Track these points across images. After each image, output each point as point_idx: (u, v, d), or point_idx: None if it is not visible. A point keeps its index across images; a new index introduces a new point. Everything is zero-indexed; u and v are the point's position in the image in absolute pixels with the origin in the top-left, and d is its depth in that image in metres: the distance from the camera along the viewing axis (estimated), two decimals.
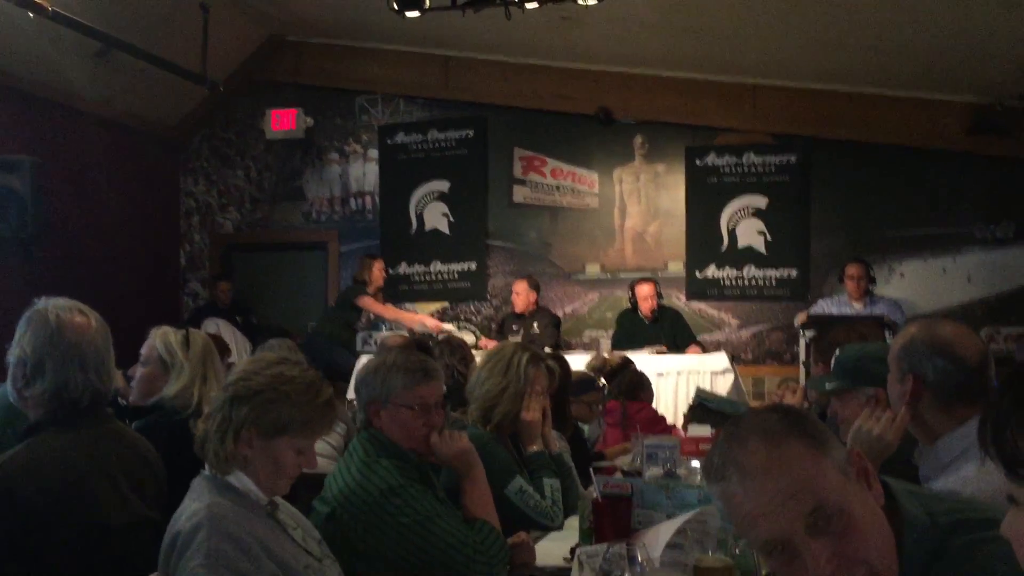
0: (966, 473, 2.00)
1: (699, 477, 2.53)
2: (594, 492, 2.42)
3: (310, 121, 8.89)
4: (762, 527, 1.27)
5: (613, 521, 2.36)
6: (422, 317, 7.87)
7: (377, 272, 7.94)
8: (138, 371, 3.08)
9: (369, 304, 7.75)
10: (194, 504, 1.92)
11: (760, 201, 8.17)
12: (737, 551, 1.99)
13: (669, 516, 2.32)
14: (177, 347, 3.02)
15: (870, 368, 2.52)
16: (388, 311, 7.83)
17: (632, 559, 1.97)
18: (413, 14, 5.23)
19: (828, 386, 2.63)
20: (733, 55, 7.61)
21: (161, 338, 3.08)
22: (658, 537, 2.18)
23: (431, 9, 5.22)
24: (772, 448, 1.29)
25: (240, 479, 1.98)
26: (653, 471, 2.49)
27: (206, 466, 2.03)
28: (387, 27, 7.92)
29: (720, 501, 1.34)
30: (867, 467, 1.35)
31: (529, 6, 5.05)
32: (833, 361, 2.72)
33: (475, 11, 5.10)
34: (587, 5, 5.14)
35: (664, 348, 7.23)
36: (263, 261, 9.00)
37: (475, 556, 2.27)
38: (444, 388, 2.53)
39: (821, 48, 7.16)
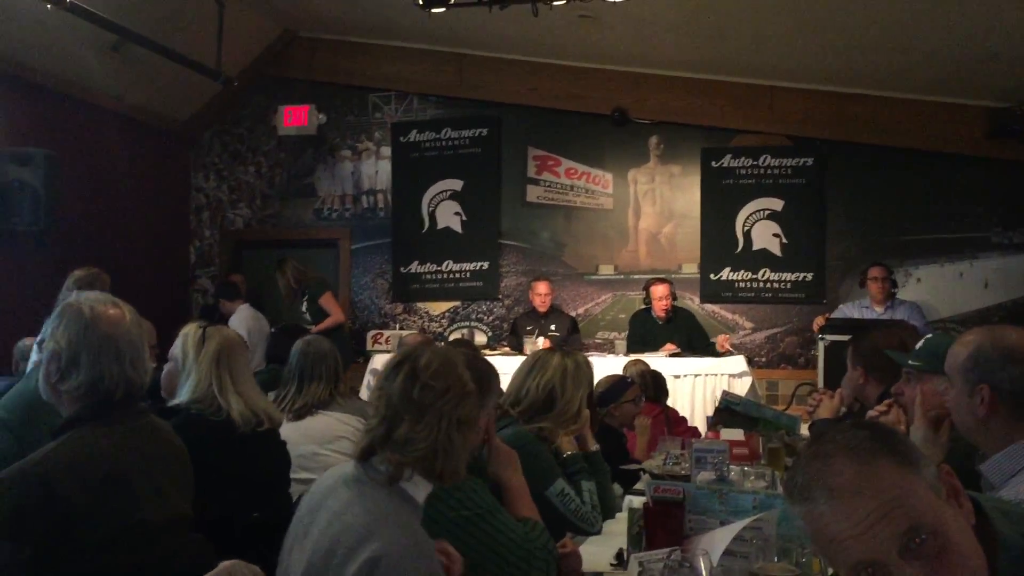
0: None
1: (750, 482, 2.47)
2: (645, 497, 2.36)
3: (323, 118, 8.83)
4: (852, 550, 1.21)
5: (665, 526, 2.30)
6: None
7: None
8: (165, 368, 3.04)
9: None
10: None
11: (776, 203, 8.12)
12: (803, 559, 1.94)
13: (723, 522, 2.27)
14: (191, 347, 2.96)
15: None
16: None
17: (695, 567, 1.91)
18: (439, 10, 5.18)
19: (912, 363, 2.60)
20: (750, 57, 7.56)
21: (182, 335, 3.04)
22: (714, 544, 2.13)
23: (457, 5, 5.16)
24: (861, 466, 1.23)
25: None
26: (704, 475, 2.44)
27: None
28: (401, 24, 7.89)
29: (805, 522, 1.28)
30: (957, 485, 1.29)
31: (556, 3, 4.99)
32: (923, 342, 2.67)
33: (501, 8, 5.04)
34: (613, 2, 5.07)
35: (677, 348, 7.18)
36: (273, 258, 8.90)
37: (536, 553, 2.22)
38: None
39: (838, 51, 7.12)
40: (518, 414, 3.04)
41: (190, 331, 3.02)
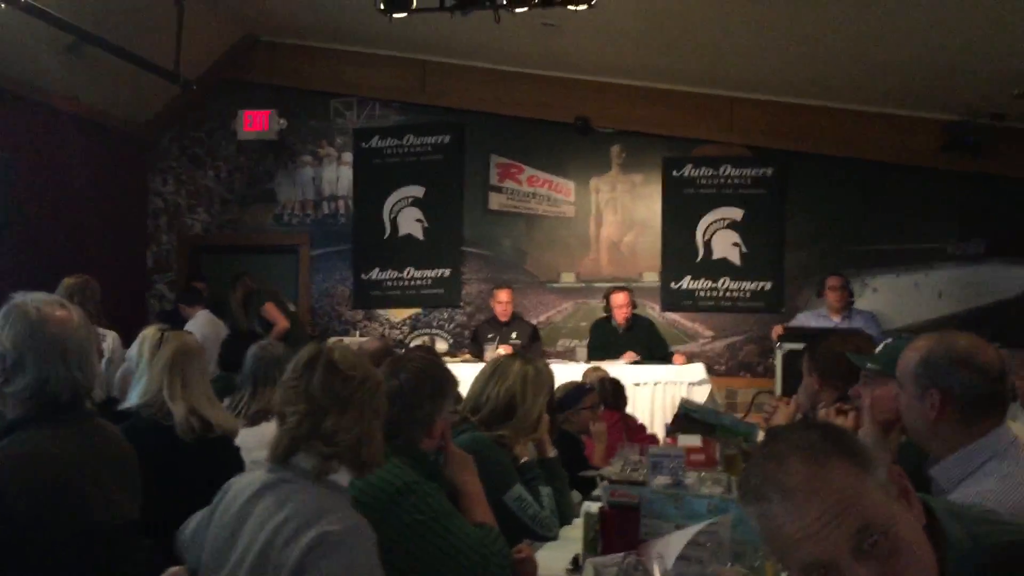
0: (986, 486, 1.97)
1: (707, 487, 2.48)
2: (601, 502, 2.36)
3: (284, 123, 8.76)
4: (805, 549, 1.21)
5: (621, 531, 2.30)
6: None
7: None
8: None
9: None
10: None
11: (736, 213, 8.20)
12: (756, 563, 1.94)
13: (678, 526, 2.26)
14: (147, 350, 2.92)
15: None
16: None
17: (649, 571, 1.91)
18: (401, 15, 5.15)
19: (871, 365, 2.61)
20: (711, 68, 7.64)
21: (141, 337, 2.99)
22: (669, 548, 2.12)
23: (419, 11, 5.15)
24: (814, 467, 1.23)
25: None
26: (660, 480, 2.44)
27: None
28: (364, 30, 7.86)
29: (758, 523, 1.28)
30: (907, 485, 1.30)
31: (519, 10, 4.99)
32: (882, 347, 2.69)
33: (464, 13, 5.03)
34: (575, 10, 5.09)
35: (638, 357, 7.21)
36: (232, 263, 8.82)
37: (491, 558, 2.21)
38: None
39: (798, 63, 7.21)
40: (478, 421, 3.02)
41: (149, 333, 2.97)
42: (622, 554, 2.01)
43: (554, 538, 2.92)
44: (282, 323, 7.61)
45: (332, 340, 8.13)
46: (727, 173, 8.23)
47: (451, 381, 2.47)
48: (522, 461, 3.06)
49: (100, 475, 2.18)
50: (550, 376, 3.21)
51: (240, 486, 1.98)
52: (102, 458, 2.22)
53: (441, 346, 8.20)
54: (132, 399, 2.81)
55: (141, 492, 2.35)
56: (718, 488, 2.63)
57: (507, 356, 3.28)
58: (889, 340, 2.86)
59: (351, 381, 1.93)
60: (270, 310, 7.69)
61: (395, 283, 8.80)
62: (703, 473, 2.95)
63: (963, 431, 2.04)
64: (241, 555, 1.83)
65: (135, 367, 2.87)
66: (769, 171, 8.17)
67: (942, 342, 2.11)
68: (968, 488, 2.02)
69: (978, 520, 1.36)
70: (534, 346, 7.72)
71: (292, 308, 8.16)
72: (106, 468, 2.23)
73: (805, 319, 7.39)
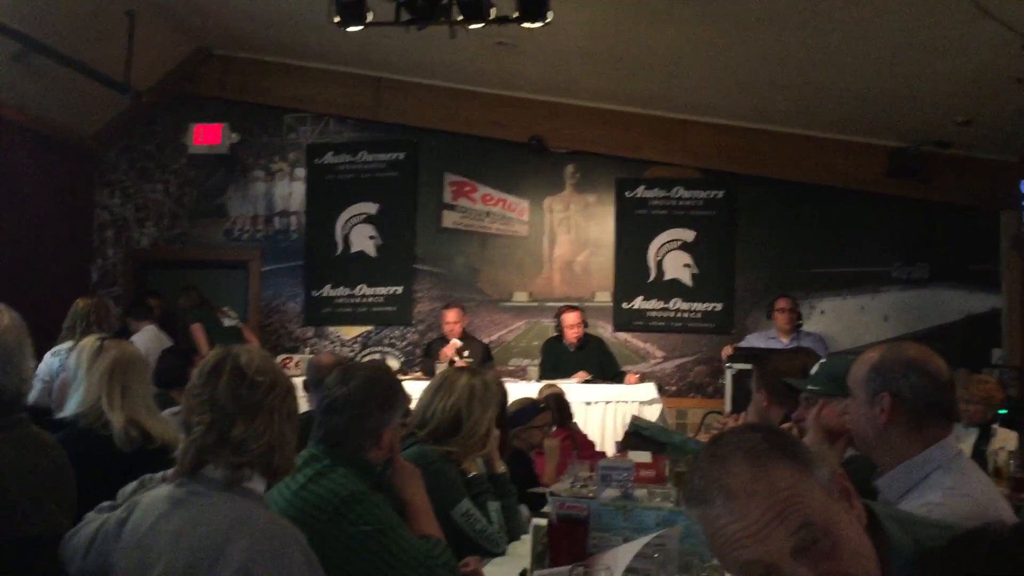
0: (931, 498, 1.98)
1: (657, 499, 2.47)
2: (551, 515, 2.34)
3: (236, 137, 8.67)
4: (747, 550, 1.21)
5: (569, 544, 2.27)
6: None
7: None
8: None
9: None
10: None
11: (688, 235, 8.27)
12: (703, 574, 1.93)
13: (626, 539, 2.25)
14: (85, 359, 2.83)
15: None
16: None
17: None
18: (356, 28, 5.13)
19: (811, 387, 2.63)
20: (665, 91, 7.73)
21: (79, 347, 2.91)
22: (617, 560, 2.11)
23: (374, 24, 5.13)
24: (757, 468, 1.24)
25: None
26: (609, 492, 2.43)
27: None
28: (319, 45, 7.82)
29: (701, 525, 1.28)
30: (849, 487, 1.31)
31: (473, 27, 5.00)
32: (818, 367, 2.72)
33: (419, 29, 5.03)
34: (530, 28, 5.12)
35: (589, 376, 7.22)
36: (181, 278, 8.67)
37: (435, 569, 2.17)
38: None
39: (751, 88, 7.32)
40: (424, 435, 2.98)
41: (87, 343, 2.89)
42: (569, 566, 1.99)
43: (502, 553, 2.88)
44: (202, 349, 7.33)
45: (281, 357, 8.05)
46: (679, 195, 8.31)
47: (401, 392, 2.44)
48: (470, 475, 3.03)
49: (31, 485, 2.11)
50: (499, 389, 3.18)
51: (148, 502, 1.89)
52: (34, 468, 2.15)
53: (393, 364, 8.13)
54: (69, 408, 2.73)
55: (76, 503, 2.28)
56: (668, 504, 2.62)
57: (455, 369, 3.24)
58: (823, 359, 2.90)
59: (259, 387, 1.84)
60: (195, 332, 7.51)
61: (347, 300, 8.72)
62: (653, 489, 2.94)
63: (911, 437, 2.06)
64: (162, 574, 1.75)
65: (72, 377, 2.79)
66: (720, 194, 8.27)
67: (893, 349, 2.14)
68: (913, 500, 2.03)
69: (919, 524, 1.37)
70: (485, 365, 7.68)
71: (233, 323, 7.95)
72: (38, 478, 2.16)
73: (754, 340, 7.46)
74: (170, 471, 2.17)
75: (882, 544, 1.29)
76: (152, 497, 1.89)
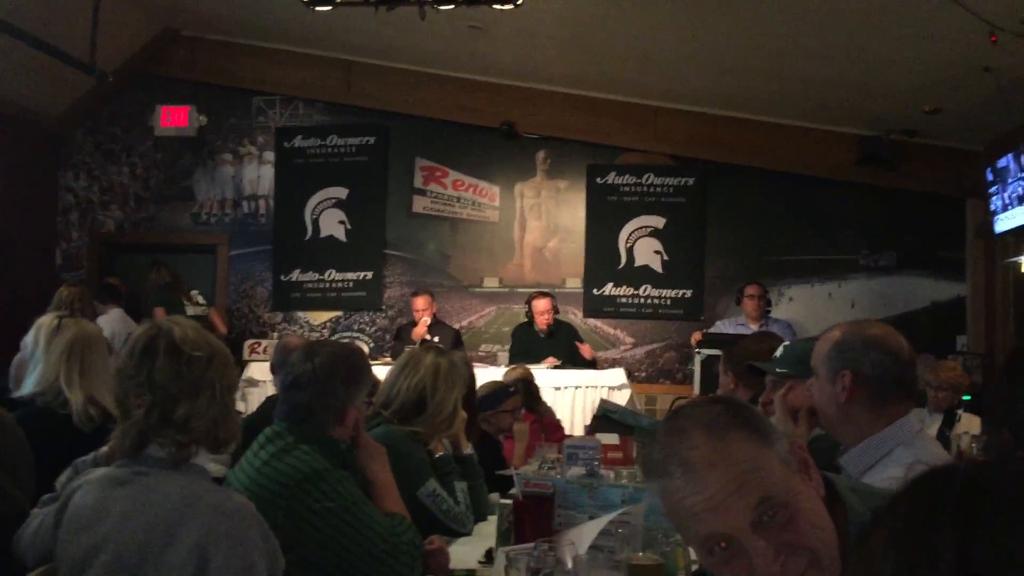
0: (893, 472, 1.99)
1: (622, 478, 2.47)
2: (516, 492, 2.33)
3: (203, 119, 8.56)
4: (706, 522, 1.22)
5: (534, 521, 2.27)
6: None
7: None
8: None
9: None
10: None
11: (658, 221, 8.29)
12: (666, 548, 1.93)
13: (591, 517, 2.24)
14: (43, 336, 2.78)
15: None
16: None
17: (560, 557, 1.89)
18: (324, 8, 5.07)
19: (779, 370, 2.64)
20: (636, 77, 7.72)
21: (36, 325, 2.86)
22: (582, 537, 2.10)
23: (343, 4, 5.08)
24: (716, 441, 1.24)
25: None
26: (574, 471, 2.42)
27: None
28: (288, 27, 7.74)
29: (661, 498, 1.28)
30: (807, 459, 1.32)
31: (444, 7, 4.96)
32: (782, 349, 2.73)
33: (388, 9, 4.98)
34: (501, 10, 5.08)
35: (559, 361, 7.22)
36: (147, 262, 8.58)
37: (399, 546, 2.16)
38: None
39: (721, 75, 7.34)
40: (390, 415, 2.96)
41: (45, 321, 2.84)
42: (534, 543, 1.98)
43: (468, 533, 2.87)
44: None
45: (249, 342, 7.99)
46: (650, 181, 8.32)
47: (366, 369, 2.41)
48: (437, 455, 3.01)
49: None
50: (466, 369, 3.16)
51: (87, 487, 1.81)
52: None
53: (363, 349, 8.07)
54: (26, 387, 2.68)
55: (34, 482, 2.24)
56: (633, 482, 2.62)
57: (422, 348, 3.22)
58: (787, 342, 2.91)
59: (198, 362, 1.77)
60: (157, 315, 7.45)
61: (316, 285, 8.66)
62: (620, 470, 2.94)
63: (872, 414, 2.07)
64: (111, 560, 1.69)
65: (30, 355, 2.74)
66: (691, 180, 8.29)
67: (854, 327, 2.16)
68: (875, 475, 2.04)
69: (877, 495, 1.37)
70: (453, 348, 7.66)
71: (199, 311, 7.87)
72: None
73: (724, 327, 7.50)
74: (102, 451, 2.11)
75: (840, 515, 1.29)
76: (92, 481, 1.82)
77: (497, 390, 4.60)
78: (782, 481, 1.22)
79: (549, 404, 6.25)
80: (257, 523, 1.73)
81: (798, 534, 1.20)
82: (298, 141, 8.73)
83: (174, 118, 8.47)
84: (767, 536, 1.19)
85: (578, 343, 7.55)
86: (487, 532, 2.86)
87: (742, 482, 1.20)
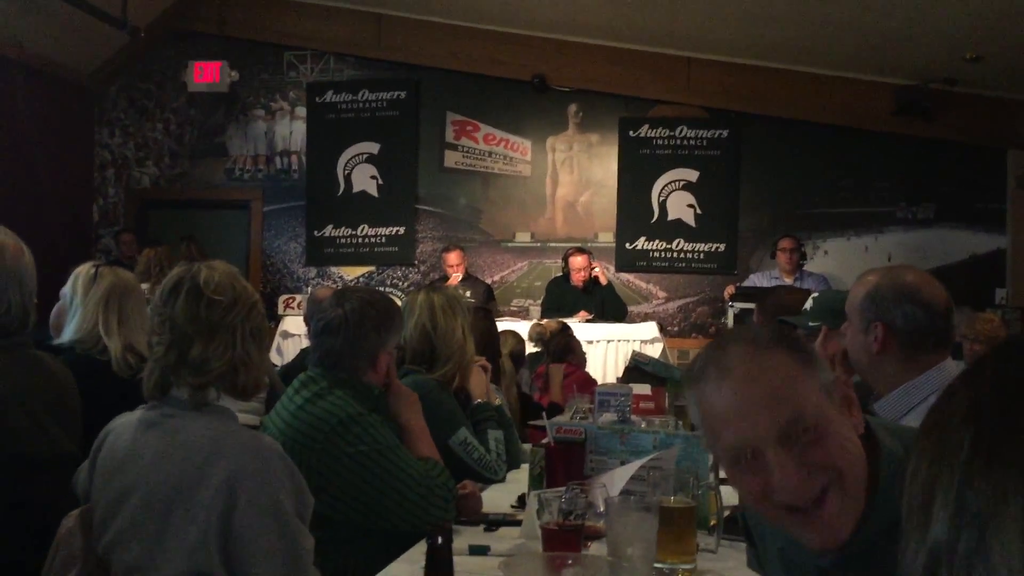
0: None
1: (655, 424, 2.48)
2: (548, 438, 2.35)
3: (235, 75, 8.57)
4: (734, 430, 1.23)
5: (566, 467, 2.29)
6: None
7: None
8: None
9: None
10: None
11: (691, 175, 8.21)
12: (699, 491, 1.94)
13: (623, 462, 2.26)
14: (80, 285, 2.83)
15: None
16: None
17: (592, 498, 1.90)
18: None
19: (812, 324, 2.63)
20: (670, 28, 7.60)
21: (74, 275, 2.90)
22: (614, 481, 2.12)
23: None
24: (757, 353, 1.25)
25: None
26: (606, 417, 2.43)
27: None
28: None
29: (696, 404, 1.29)
30: (851, 396, 1.31)
31: None
32: (811, 302, 2.71)
33: None
34: None
35: (591, 315, 7.21)
36: (182, 218, 8.66)
37: (433, 490, 2.18)
38: None
39: (755, 24, 7.20)
40: (408, 364, 2.96)
41: (82, 270, 2.88)
42: (566, 486, 2.00)
43: (501, 480, 2.90)
44: None
45: (284, 297, 8.07)
46: (683, 134, 8.23)
47: (397, 315, 2.42)
48: (476, 402, 3.04)
49: (31, 406, 2.12)
50: (465, 303, 3.11)
51: (119, 429, 1.85)
52: (34, 389, 2.16)
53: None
54: (66, 335, 2.73)
55: (81, 426, 2.29)
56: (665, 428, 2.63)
57: (413, 291, 3.19)
58: (815, 293, 2.88)
59: (217, 306, 1.77)
60: None
61: (349, 240, 8.70)
62: (652, 419, 2.95)
63: (905, 366, 2.05)
64: (143, 501, 1.72)
65: (68, 304, 2.78)
66: (725, 133, 8.19)
67: (888, 276, 2.12)
68: (910, 422, 2.03)
69: (911, 433, 1.36)
70: (488, 305, 7.67)
71: None
72: (39, 399, 2.17)
73: (757, 280, 7.44)
74: None
75: (876, 454, 1.29)
76: (123, 423, 1.85)
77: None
78: (817, 406, 1.22)
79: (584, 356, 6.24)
80: (283, 462, 1.75)
81: (825, 454, 1.20)
82: (329, 96, 8.72)
83: (207, 74, 8.48)
84: (791, 452, 1.19)
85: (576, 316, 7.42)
86: (520, 479, 2.89)
87: (776, 397, 1.21)
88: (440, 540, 1.49)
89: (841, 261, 7.99)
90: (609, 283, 7.86)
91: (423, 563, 1.53)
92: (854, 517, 1.23)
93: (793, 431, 1.20)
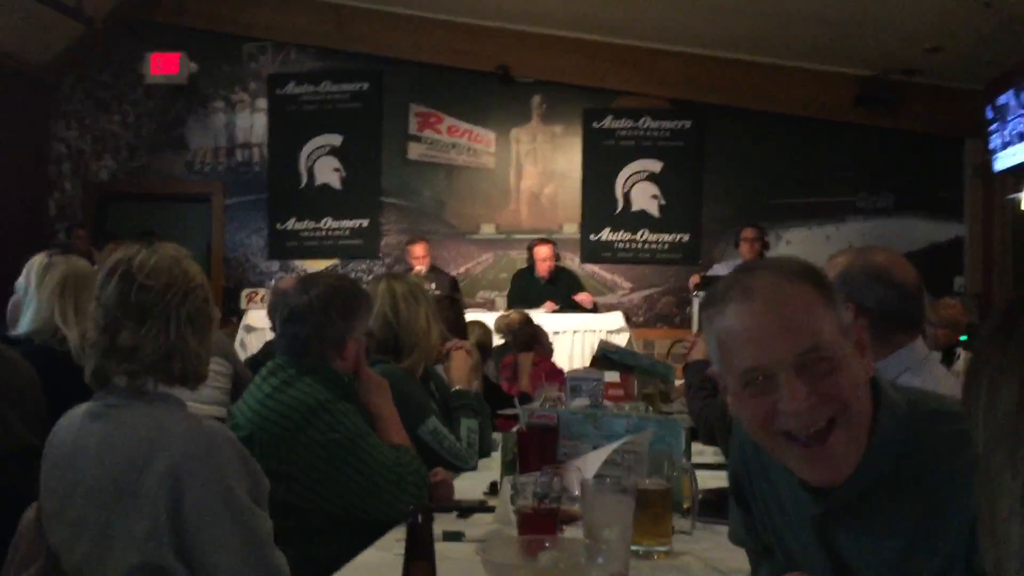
0: None
1: (625, 409, 2.47)
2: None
3: (194, 66, 8.43)
4: (751, 351, 1.23)
5: (539, 452, 2.27)
6: None
7: None
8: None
9: None
10: None
11: (655, 166, 8.24)
12: (674, 473, 1.93)
13: (596, 447, 2.25)
14: (35, 275, 2.76)
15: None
16: None
17: (565, 484, 1.89)
18: None
19: None
20: (633, 18, 7.61)
21: (28, 265, 2.83)
22: (587, 465, 2.11)
23: None
24: (782, 281, 1.26)
25: None
26: (578, 402, 2.42)
27: None
28: None
29: (714, 324, 1.28)
30: (865, 340, 1.32)
31: None
32: None
33: None
34: None
35: (557, 306, 7.22)
36: (142, 212, 8.52)
37: (405, 477, 2.16)
38: None
39: (718, 15, 7.23)
40: (375, 354, 2.92)
41: (36, 260, 2.81)
42: (539, 471, 1.98)
43: (472, 469, 2.88)
44: None
45: (247, 291, 7.98)
46: (647, 125, 8.25)
47: (364, 301, 2.38)
48: (454, 389, 3.03)
49: None
50: (428, 292, 3.09)
51: (66, 422, 1.80)
52: None
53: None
54: (22, 326, 2.66)
55: (44, 418, 2.23)
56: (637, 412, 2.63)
57: (373, 280, 3.15)
58: None
59: (149, 290, 1.70)
60: None
61: (312, 234, 8.62)
62: (622, 405, 2.95)
63: (877, 345, 2.04)
64: (89, 494, 1.67)
65: (23, 295, 2.72)
66: (688, 124, 8.22)
67: (859, 257, 2.13)
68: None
69: (914, 391, 1.38)
70: (455, 296, 7.64)
71: None
72: (2, 393, 2.11)
73: (721, 270, 7.47)
74: None
75: (878, 400, 1.29)
76: (70, 416, 1.81)
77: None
78: (834, 340, 1.23)
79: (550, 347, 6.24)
80: (232, 446, 1.70)
81: (836, 387, 1.21)
82: (291, 88, 8.62)
83: (164, 65, 8.33)
84: (804, 379, 1.20)
85: (576, 296, 7.49)
86: (492, 466, 2.87)
87: (797, 324, 1.22)
88: (421, 519, 1.47)
89: (803, 250, 8.04)
90: (571, 272, 7.89)
91: (396, 550, 1.50)
92: (856, 457, 1.23)
93: (809, 360, 1.20)
